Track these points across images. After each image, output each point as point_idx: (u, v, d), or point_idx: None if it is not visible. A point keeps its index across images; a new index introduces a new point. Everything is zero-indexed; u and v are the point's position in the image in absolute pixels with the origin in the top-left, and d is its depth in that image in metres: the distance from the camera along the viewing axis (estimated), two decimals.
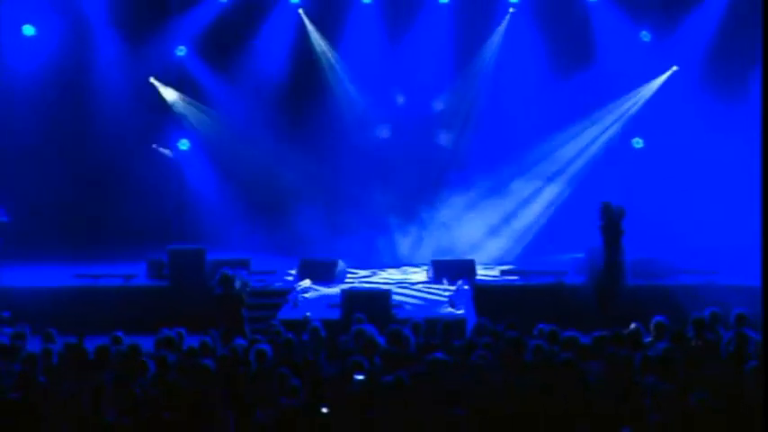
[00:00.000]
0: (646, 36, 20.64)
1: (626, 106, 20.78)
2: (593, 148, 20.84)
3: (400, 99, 21.46)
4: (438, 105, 21.51)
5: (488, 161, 20.80)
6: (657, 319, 12.13)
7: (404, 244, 20.65)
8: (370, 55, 21.11)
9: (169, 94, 21.25)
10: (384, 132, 21.47)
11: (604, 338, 11.38)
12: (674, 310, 13.34)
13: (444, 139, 21.48)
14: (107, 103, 20.66)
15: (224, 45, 21.15)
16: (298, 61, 21.29)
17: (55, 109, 20.43)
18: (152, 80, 21.05)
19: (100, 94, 20.75)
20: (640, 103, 20.73)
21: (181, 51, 21.27)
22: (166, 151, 21.15)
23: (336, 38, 21.20)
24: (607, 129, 20.86)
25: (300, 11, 21.10)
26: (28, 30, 20.38)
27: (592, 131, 20.89)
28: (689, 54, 20.23)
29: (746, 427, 8.15)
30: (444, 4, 20.86)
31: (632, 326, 11.87)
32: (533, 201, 20.90)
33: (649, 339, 11.89)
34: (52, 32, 20.50)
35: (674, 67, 20.40)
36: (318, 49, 21.22)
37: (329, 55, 21.22)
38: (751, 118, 19.21)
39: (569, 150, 20.88)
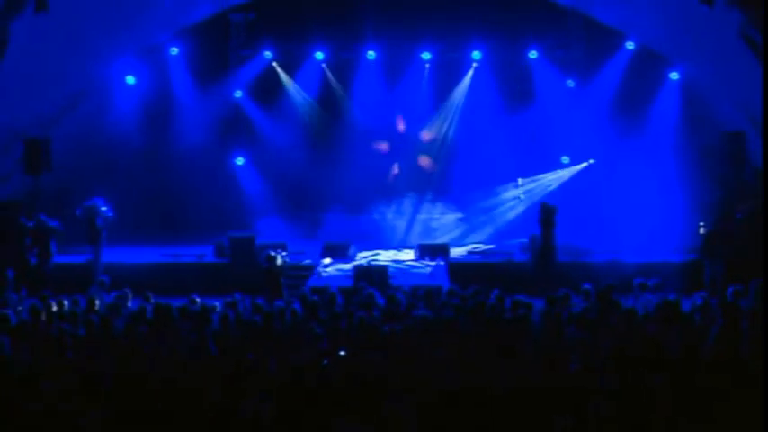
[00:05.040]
0: (571, 83, 20.61)
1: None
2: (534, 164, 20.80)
3: (401, 127, 21.43)
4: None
5: (460, 173, 20.79)
6: (585, 286, 12.22)
7: (398, 232, 20.61)
8: (373, 95, 21.10)
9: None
10: (384, 147, 21.48)
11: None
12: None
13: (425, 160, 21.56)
14: (184, 130, 20.64)
15: (269, 89, 21.17)
16: (321, 99, 21.30)
17: (147, 134, 20.44)
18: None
19: (179, 124, 20.73)
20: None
21: (238, 94, 21.25)
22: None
23: (350, 83, 21.15)
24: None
25: (323, 65, 21.12)
26: (130, 79, 20.41)
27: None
28: (601, 97, 20.20)
29: (644, 367, 8.17)
30: (427, 60, 20.86)
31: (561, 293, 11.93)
32: (492, 200, 20.88)
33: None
34: (147, 81, 20.54)
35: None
36: (336, 91, 21.29)
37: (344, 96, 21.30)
38: (647, 145, 19.44)
39: (518, 165, 20.82)
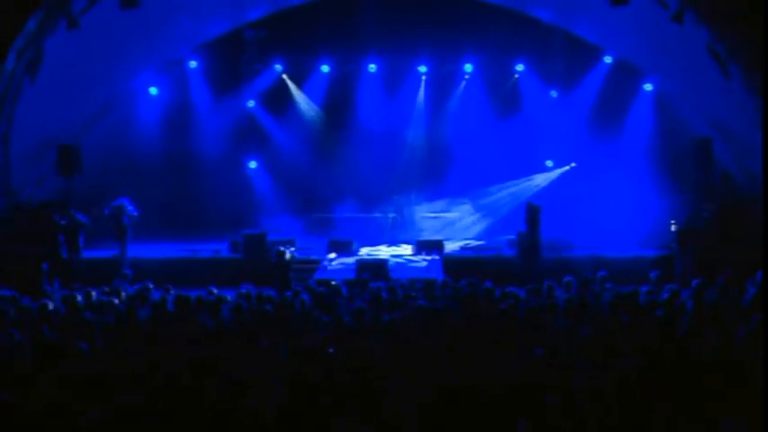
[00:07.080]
0: (554, 93, 20.63)
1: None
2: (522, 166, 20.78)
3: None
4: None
5: (452, 176, 20.75)
6: (567, 278, 12.20)
7: (397, 229, 20.56)
8: (374, 103, 21.08)
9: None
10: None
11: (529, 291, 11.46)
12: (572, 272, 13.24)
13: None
14: (202, 136, 20.65)
15: (279, 98, 21.17)
16: (326, 106, 21.27)
17: (169, 141, 20.44)
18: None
19: (197, 130, 20.72)
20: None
21: (251, 103, 21.27)
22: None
23: (353, 92, 21.12)
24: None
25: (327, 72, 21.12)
26: (153, 90, 20.45)
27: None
28: (582, 106, 20.22)
29: (619, 351, 8.13)
30: (423, 72, 20.87)
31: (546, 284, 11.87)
32: (483, 200, 20.83)
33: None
34: (168, 92, 20.56)
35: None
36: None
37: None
38: (623, 149, 19.44)
39: (506, 167, 20.78)
